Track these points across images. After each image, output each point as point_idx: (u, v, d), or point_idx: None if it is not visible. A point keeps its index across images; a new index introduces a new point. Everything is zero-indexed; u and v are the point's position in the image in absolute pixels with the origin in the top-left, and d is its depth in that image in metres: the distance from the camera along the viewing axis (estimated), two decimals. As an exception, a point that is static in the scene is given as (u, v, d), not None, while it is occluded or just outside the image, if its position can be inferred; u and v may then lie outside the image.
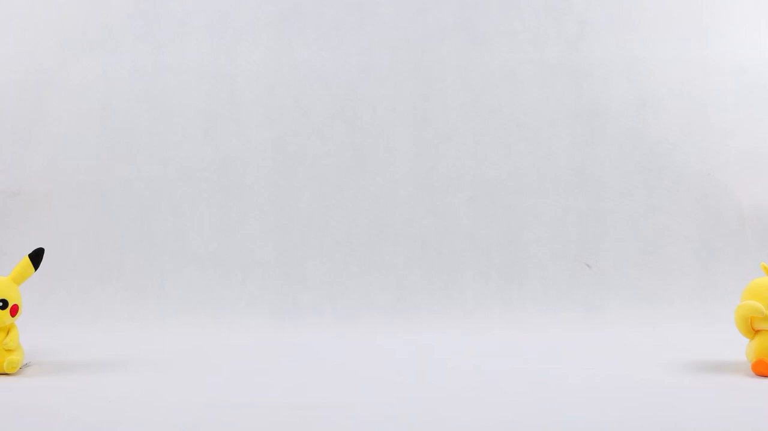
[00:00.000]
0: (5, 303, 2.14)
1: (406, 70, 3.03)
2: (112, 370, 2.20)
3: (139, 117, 3.01)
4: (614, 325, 2.30)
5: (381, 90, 3.02)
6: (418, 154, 3.02)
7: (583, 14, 3.04)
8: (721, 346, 2.22)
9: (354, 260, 2.92)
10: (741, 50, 3.03)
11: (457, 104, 3.03)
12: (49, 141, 3.01)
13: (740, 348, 2.18)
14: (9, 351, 2.15)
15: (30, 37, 3.03)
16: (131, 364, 2.24)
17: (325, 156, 3.01)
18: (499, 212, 2.96)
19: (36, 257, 2.20)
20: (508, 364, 2.15)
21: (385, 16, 3.05)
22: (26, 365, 2.25)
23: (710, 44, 3.04)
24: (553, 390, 1.96)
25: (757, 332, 2.05)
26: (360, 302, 2.81)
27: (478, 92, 3.02)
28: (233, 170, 3.00)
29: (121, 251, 2.85)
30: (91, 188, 2.98)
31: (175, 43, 3.04)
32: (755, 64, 3.02)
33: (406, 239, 2.93)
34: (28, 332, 2.26)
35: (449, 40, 3.04)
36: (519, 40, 3.03)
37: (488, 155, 3.00)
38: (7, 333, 2.17)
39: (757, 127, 3.01)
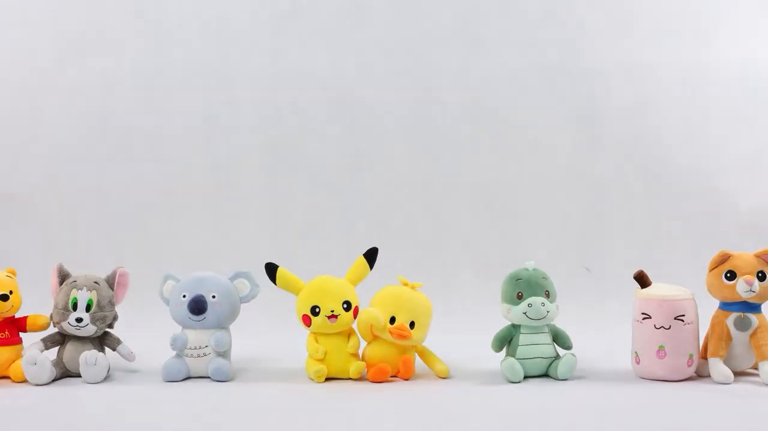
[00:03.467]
0: (349, 305, 2.04)
1: (405, 73, 3.00)
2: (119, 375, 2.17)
3: (137, 119, 3.02)
4: (613, 328, 2.31)
5: (379, 93, 3.01)
6: (416, 157, 2.99)
7: (582, 18, 3.04)
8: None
9: (352, 263, 2.94)
10: (740, 55, 2.98)
11: (455, 107, 3.01)
12: (47, 143, 3.02)
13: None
14: (354, 355, 2.05)
15: (28, 40, 3.04)
16: (133, 366, 2.22)
17: (322, 159, 3.01)
18: (498, 215, 2.96)
19: (371, 256, 2.08)
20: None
21: (384, 19, 3.04)
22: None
23: (709, 49, 2.98)
24: (552, 393, 1.98)
25: (375, 337, 2.08)
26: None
27: (476, 95, 2.99)
28: (231, 172, 3.00)
29: (119, 252, 2.84)
30: (90, 189, 2.98)
31: (173, 46, 3.04)
32: (754, 69, 2.97)
33: (405, 241, 2.89)
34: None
35: (448, 43, 3.02)
36: (518, 43, 3.02)
37: (487, 158, 3.00)
38: (349, 336, 2.06)
39: (755, 132, 2.96)
